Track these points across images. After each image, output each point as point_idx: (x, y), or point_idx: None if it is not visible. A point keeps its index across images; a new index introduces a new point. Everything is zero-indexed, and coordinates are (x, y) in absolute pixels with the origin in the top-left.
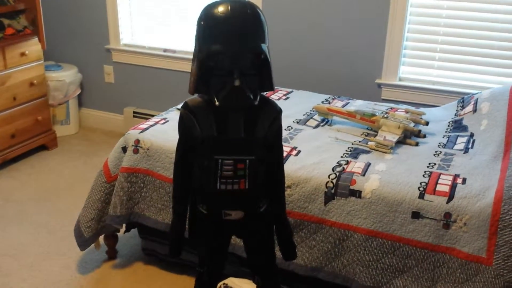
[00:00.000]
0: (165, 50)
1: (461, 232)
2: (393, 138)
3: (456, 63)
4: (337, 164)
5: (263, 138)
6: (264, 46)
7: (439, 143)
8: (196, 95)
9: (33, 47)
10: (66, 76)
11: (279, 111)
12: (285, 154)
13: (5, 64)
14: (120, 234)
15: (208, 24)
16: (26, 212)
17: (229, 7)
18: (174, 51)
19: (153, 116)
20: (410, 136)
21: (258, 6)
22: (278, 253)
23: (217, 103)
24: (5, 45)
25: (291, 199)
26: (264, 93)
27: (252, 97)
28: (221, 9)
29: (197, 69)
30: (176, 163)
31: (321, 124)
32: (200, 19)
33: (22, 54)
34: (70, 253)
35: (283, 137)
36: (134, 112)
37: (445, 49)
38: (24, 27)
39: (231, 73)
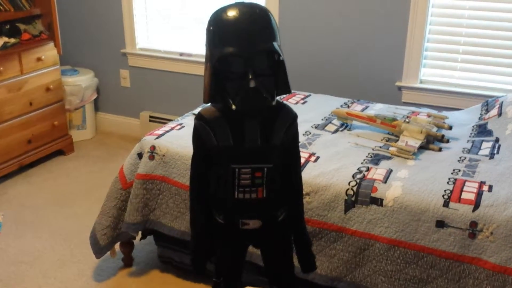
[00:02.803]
0: (181, 54)
1: (488, 241)
2: (415, 143)
3: (479, 65)
4: (358, 171)
5: (280, 145)
6: (276, 45)
7: (463, 148)
8: (209, 105)
9: (49, 52)
10: (82, 81)
11: (294, 116)
12: (303, 160)
13: (21, 70)
14: (136, 241)
15: (218, 28)
16: (42, 218)
17: (237, 10)
18: (190, 55)
19: (169, 120)
20: (433, 141)
21: (266, 7)
22: (296, 263)
23: (234, 107)
24: (21, 50)
25: (310, 207)
26: (281, 97)
27: (269, 98)
28: (229, 12)
29: (210, 75)
30: (192, 176)
31: (340, 129)
32: (209, 25)
33: (38, 59)
34: (85, 260)
35: (301, 142)
36: (150, 117)
37: (467, 50)
38: (40, 32)
39: (246, 75)
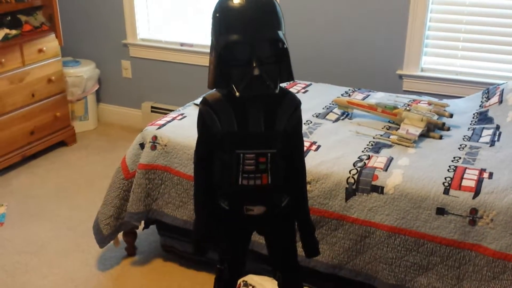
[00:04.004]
0: (182, 44)
1: (488, 228)
2: (416, 131)
3: (480, 53)
4: (358, 159)
5: (283, 131)
6: (281, 34)
7: (464, 136)
8: (214, 90)
9: (50, 43)
10: (84, 72)
11: (298, 103)
12: (304, 148)
13: (23, 61)
14: (139, 230)
15: (224, 15)
16: (45, 208)
17: None
18: (191, 45)
19: (171, 110)
20: (433, 129)
21: None
22: (299, 250)
23: (237, 93)
24: (23, 41)
25: (311, 195)
26: (284, 85)
27: (272, 85)
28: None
29: (215, 62)
30: (196, 162)
31: (341, 118)
32: (215, 12)
33: (40, 50)
34: (89, 250)
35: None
36: (152, 107)
37: (468, 38)
38: (41, 23)
39: (250, 63)
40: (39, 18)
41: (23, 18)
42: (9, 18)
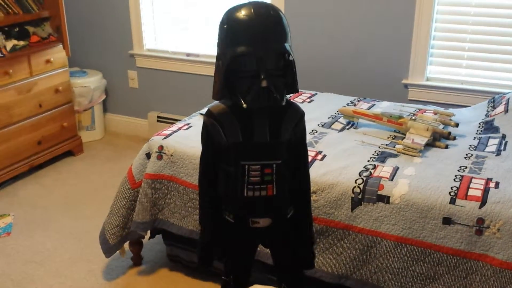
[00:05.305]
0: (188, 55)
1: (495, 238)
2: (421, 140)
3: (485, 62)
4: (364, 169)
5: (288, 142)
6: (288, 46)
7: (470, 145)
8: (218, 102)
9: (58, 54)
10: (90, 82)
11: (302, 114)
12: (310, 158)
13: (30, 72)
14: (145, 240)
15: (231, 27)
16: (52, 218)
17: (252, 9)
18: (197, 55)
19: (177, 120)
20: (439, 138)
21: (279, 8)
22: None
23: (244, 105)
24: (31, 52)
25: (316, 205)
26: (288, 96)
27: (279, 98)
28: (244, 11)
29: (222, 73)
30: (201, 173)
31: (347, 127)
32: (222, 23)
33: (47, 61)
34: (95, 260)
35: (307, 141)
36: (158, 117)
37: (474, 47)
38: (49, 34)
39: (257, 75)
40: (46, 29)
41: (31, 29)
42: (17, 29)
